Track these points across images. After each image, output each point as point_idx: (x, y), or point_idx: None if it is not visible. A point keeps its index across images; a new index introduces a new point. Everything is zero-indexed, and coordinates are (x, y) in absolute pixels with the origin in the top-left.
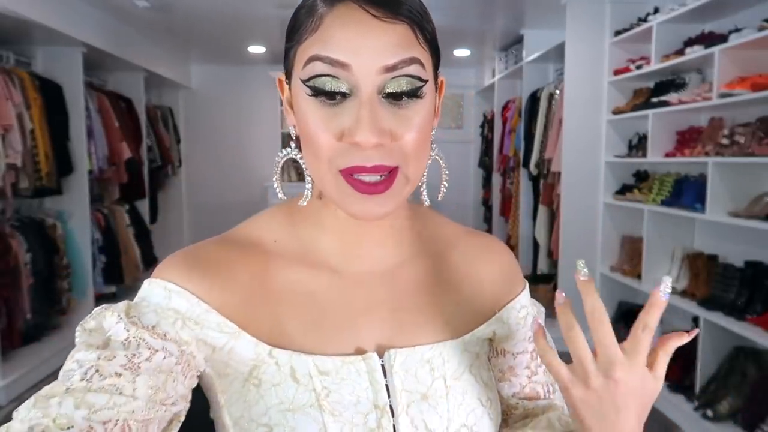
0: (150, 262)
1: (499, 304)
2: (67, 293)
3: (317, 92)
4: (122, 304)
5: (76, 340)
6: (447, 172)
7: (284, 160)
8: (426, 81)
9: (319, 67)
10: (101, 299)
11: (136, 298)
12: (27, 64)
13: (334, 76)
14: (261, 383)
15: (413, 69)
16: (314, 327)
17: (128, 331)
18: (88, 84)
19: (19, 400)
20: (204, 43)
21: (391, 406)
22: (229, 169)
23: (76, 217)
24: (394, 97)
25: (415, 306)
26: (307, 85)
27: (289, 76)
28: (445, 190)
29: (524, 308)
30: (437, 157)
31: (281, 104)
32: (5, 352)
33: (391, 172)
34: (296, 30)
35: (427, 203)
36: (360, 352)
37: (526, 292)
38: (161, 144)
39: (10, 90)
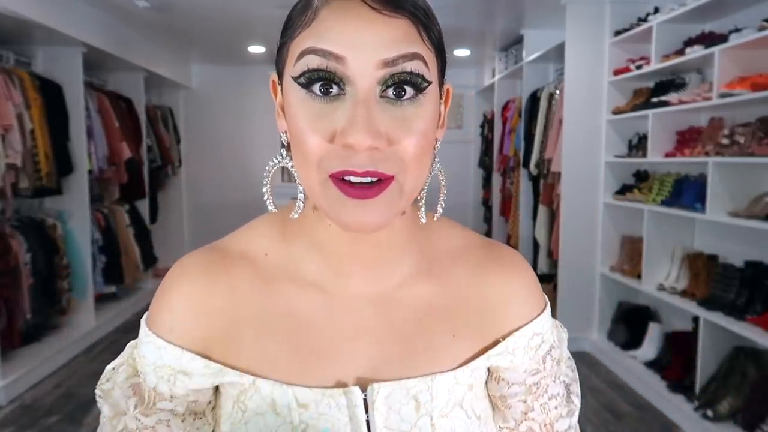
0: (150, 262)
1: (505, 331)
2: (67, 293)
3: (309, 82)
4: (130, 368)
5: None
6: (445, 192)
7: (275, 169)
8: (429, 82)
9: (311, 61)
10: (101, 299)
11: (139, 349)
12: (27, 64)
13: (327, 70)
14: (246, 409)
15: (415, 65)
16: (298, 354)
17: (138, 420)
18: (88, 84)
19: (19, 400)
20: (204, 43)
21: None
22: (229, 169)
23: (76, 217)
24: (393, 96)
25: (406, 334)
26: (298, 82)
27: (281, 75)
28: (442, 210)
29: (538, 336)
30: (438, 172)
31: None
32: (5, 352)
33: (384, 180)
34: (290, 26)
35: (423, 221)
36: (342, 384)
37: (544, 317)
38: (161, 144)
39: (10, 90)
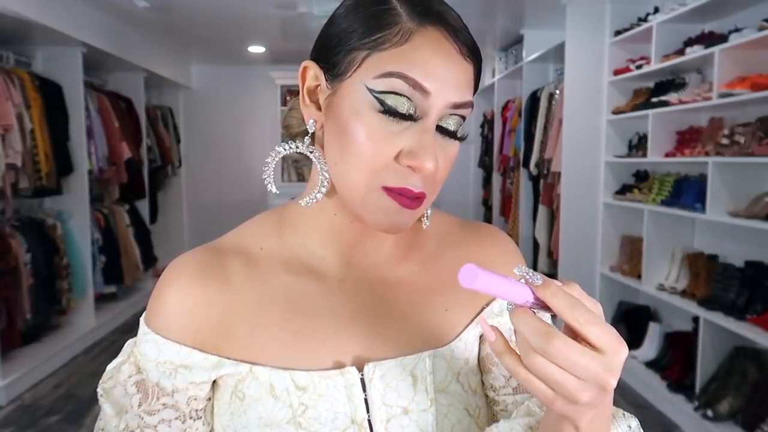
0: (150, 262)
1: (490, 298)
2: (67, 293)
3: (390, 111)
4: (133, 366)
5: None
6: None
7: (281, 156)
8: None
9: (399, 85)
10: (101, 299)
11: (139, 347)
12: (27, 64)
13: (410, 98)
14: (245, 397)
15: (468, 111)
16: (294, 339)
17: (140, 418)
18: (88, 84)
19: (20, 399)
20: (204, 43)
21: (369, 421)
22: (229, 169)
23: (76, 217)
24: (446, 131)
25: (401, 313)
26: (377, 97)
27: (335, 72)
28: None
29: None
30: None
31: (282, 103)
32: (5, 352)
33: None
34: (371, 33)
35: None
36: (339, 365)
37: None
38: (161, 144)
39: (10, 90)
